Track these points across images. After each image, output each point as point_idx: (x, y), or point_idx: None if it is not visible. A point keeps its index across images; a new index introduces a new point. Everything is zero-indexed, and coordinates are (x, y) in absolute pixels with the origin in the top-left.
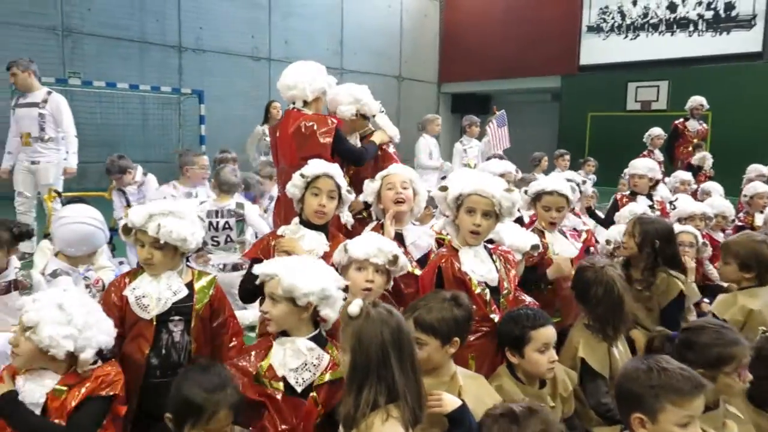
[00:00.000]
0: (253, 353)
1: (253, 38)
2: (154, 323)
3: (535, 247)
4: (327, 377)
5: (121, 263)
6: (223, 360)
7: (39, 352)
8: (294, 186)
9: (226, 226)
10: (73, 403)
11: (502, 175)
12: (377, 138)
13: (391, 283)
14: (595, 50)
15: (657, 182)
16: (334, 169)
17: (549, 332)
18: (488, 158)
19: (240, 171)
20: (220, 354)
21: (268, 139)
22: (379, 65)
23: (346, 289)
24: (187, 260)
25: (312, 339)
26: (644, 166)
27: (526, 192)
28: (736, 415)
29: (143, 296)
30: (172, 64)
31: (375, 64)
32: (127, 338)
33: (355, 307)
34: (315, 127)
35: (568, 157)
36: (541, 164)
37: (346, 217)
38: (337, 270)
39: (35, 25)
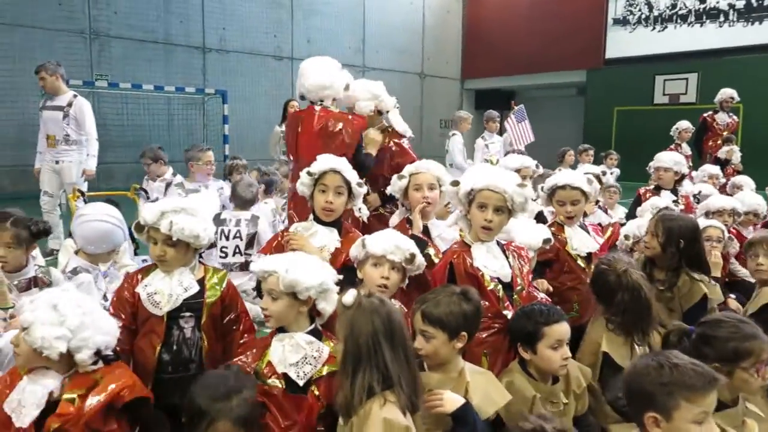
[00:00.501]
0: (250, 352)
1: (276, 38)
2: (165, 319)
3: (546, 241)
4: (325, 370)
5: (144, 261)
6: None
7: (35, 353)
8: (302, 184)
9: (237, 235)
10: (90, 411)
11: (518, 170)
12: (372, 148)
13: (406, 281)
14: (622, 43)
15: (683, 176)
16: (342, 164)
17: (563, 329)
18: (507, 153)
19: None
20: (231, 350)
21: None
22: (401, 62)
23: (339, 284)
24: (200, 256)
25: (309, 333)
26: (670, 159)
27: (542, 188)
28: (756, 413)
29: (155, 293)
30: (196, 64)
31: (397, 62)
32: (139, 334)
33: (349, 297)
34: (342, 127)
35: (591, 152)
36: (566, 159)
37: (360, 212)
38: (353, 264)
39: (64, 29)
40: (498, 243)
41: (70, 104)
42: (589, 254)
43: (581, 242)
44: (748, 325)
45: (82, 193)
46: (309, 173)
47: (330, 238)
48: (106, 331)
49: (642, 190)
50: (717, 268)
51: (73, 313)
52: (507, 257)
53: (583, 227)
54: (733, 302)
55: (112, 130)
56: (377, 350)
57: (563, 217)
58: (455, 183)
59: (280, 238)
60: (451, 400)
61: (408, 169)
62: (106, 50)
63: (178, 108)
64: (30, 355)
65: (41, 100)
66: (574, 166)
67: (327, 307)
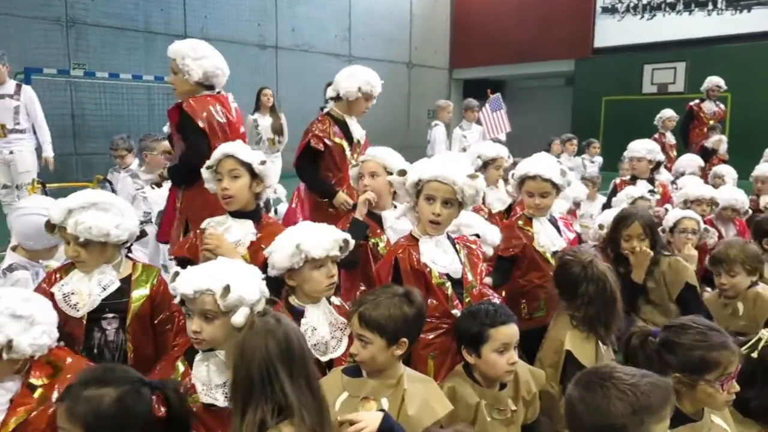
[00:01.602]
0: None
1: (259, 26)
2: (85, 321)
3: None
4: None
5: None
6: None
7: None
8: (208, 182)
9: None
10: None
11: (494, 160)
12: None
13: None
14: (610, 32)
15: (658, 164)
16: (234, 147)
17: (510, 331)
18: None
19: None
20: (163, 353)
21: (259, 128)
22: (388, 51)
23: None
24: (129, 250)
25: None
26: (642, 147)
27: (512, 175)
28: (722, 428)
29: (72, 293)
30: None
31: (384, 51)
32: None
33: (240, 317)
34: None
35: (575, 141)
36: (553, 149)
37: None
38: (278, 273)
39: (40, 16)
40: (448, 236)
41: (17, 92)
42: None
43: (549, 238)
44: (717, 333)
45: (43, 184)
46: (208, 167)
47: (244, 232)
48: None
49: (618, 181)
50: (692, 261)
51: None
52: (458, 252)
53: (553, 222)
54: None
55: (91, 120)
56: (273, 378)
57: (532, 209)
58: (402, 172)
59: (193, 238)
60: (371, 419)
61: (360, 158)
62: (83, 38)
63: (158, 97)
64: None
65: None
66: (559, 157)
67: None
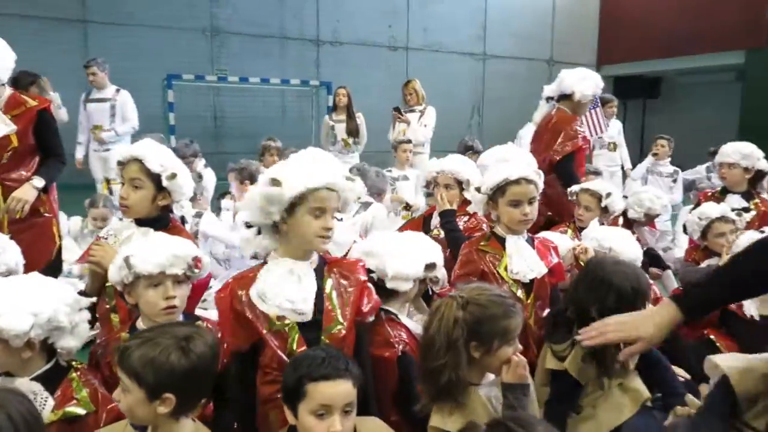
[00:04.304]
0: None
1: (391, 27)
2: None
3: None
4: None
5: None
6: None
7: None
8: (118, 176)
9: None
10: None
11: None
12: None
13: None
14: None
15: (760, 175)
16: (143, 150)
17: (333, 390)
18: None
19: None
20: None
21: (335, 129)
22: (526, 49)
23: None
24: None
25: (42, 375)
26: (735, 151)
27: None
28: None
29: None
30: (309, 57)
31: (522, 48)
32: None
33: None
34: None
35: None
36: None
37: (183, 209)
38: (117, 291)
39: (188, 27)
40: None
41: (115, 96)
42: (532, 281)
43: (525, 262)
44: None
45: (109, 182)
46: (118, 163)
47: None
48: None
49: (707, 193)
50: None
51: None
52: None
53: (530, 241)
54: None
55: (229, 122)
56: None
57: (516, 223)
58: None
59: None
60: None
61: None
62: (224, 46)
63: (291, 100)
64: None
65: (83, 93)
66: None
67: (72, 342)
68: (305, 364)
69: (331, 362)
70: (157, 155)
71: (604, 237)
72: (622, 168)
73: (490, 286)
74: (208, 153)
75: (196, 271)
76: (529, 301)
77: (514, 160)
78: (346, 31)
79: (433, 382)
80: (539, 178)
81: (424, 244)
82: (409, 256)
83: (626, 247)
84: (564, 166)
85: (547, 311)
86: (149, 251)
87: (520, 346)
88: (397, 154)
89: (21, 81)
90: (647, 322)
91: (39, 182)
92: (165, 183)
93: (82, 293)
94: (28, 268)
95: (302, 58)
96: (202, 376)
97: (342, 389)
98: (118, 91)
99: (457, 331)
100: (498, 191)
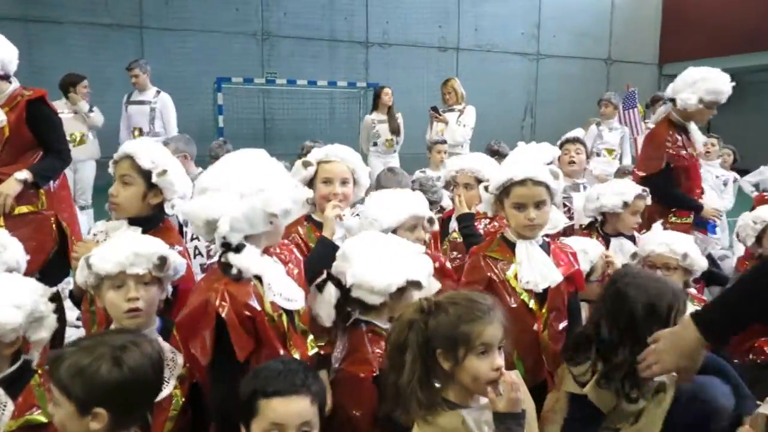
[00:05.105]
0: None
1: (441, 28)
2: None
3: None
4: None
5: None
6: None
7: None
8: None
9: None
10: None
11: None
12: None
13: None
14: None
15: None
16: (136, 147)
17: (286, 409)
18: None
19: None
20: None
21: (377, 128)
22: (582, 48)
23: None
24: None
25: (6, 379)
26: None
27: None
28: None
29: None
30: (359, 59)
31: (578, 47)
32: None
33: None
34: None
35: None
36: None
37: (173, 208)
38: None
39: (240, 32)
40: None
41: (155, 99)
42: (546, 290)
43: (537, 271)
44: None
45: None
46: (112, 161)
47: None
48: None
49: (764, 196)
50: None
51: None
52: None
53: (545, 247)
54: None
55: (279, 123)
56: None
57: (522, 228)
58: None
59: None
60: None
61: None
62: (275, 49)
63: (339, 102)
64: None
65: (125, 95)
66: None
67: (43, 333)
68: (261, 376)
69: (287, 376)
70: (149, 152)
71: (675, 241)
72: None
73: (469, 291)
74: None
75: (169, 272)
76: (542, 312)
77: (525, 158)
78: (396, 33)
79: (397, 393)
80: (554, 180)
81: (407, 254)
82: (381, 266)
83: (699, 256)
84: (652, 183)
85: (563, 324)
86: (109, 250)
87: (499, 362)
88: (431, 155)
89: (62, 83)
90: (670, 352)
91: (21, 175)
92: (155, 179)
93: (71, 293)
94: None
95: (351, 60)
96: (138, 390)
97: (296, 407)
98: (158, 93)
99: (412, 335)
100: (504, 192)
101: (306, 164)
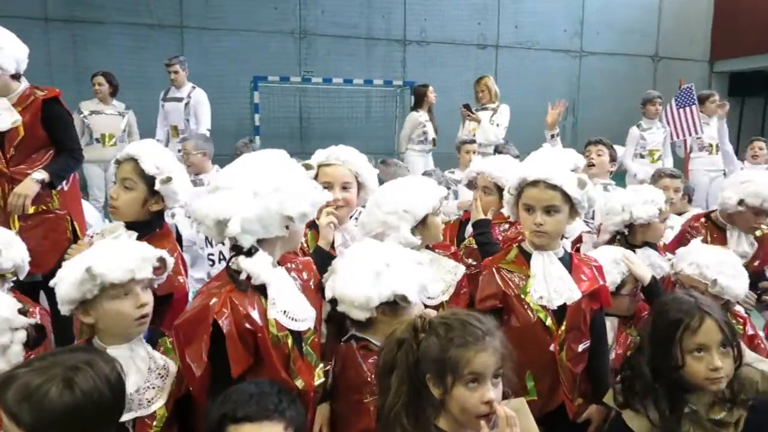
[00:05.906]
0: None
1: (480, 25)
2: None
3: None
4: None
5: None
6: None
7: None
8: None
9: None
10: None
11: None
12: None
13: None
14: None
15: None
16: (140, 149)
17: None
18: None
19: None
20: None
21: (426, 127)
22: (628, 44)
23: None
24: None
25: None
26: None
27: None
28: None
29: None
30: (396, 57)
31: (623, 44)
32: None
33: None
34: None
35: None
36: None
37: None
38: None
39: (278, 30)
40: None
41: (189, 95)
42: (564, 306)
43: (552, 286)
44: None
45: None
46: (116, 162)
47: None
48: None
49: None
50: None
51: None
52: None
53: (567, 260)
54: None
55: (315, 122)
56: None
57: (529, 233)
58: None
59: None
60: None
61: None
62: (312, 47)
63: (376, 101)
64: None
65: (162, 92)
66: None
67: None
68: (231, 399)
69: (259, 400)
70: (155, 156)
71: (708, 264)
72: (724, 173)
73: (467, 312)
74: (295, 153)
75: (163, 276)
76: (560, 331)
77: (544, 160)
78: (434, 30)
79: (384, 418)
80: (576, 188)
81: (401, 266)
82: (363, 279)
83: (734, 281)
84: None
85: (584, 345)
86: (114, 257)
87: (490, 395)
88: (460, 155)
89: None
90: None
91: (39, 175)
92: (158, 186)
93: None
94: (37, 266)
95: (388, 58)
96: (93, 415)
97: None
98: (193, 88)
99: (401, 355)
100: (519, 193)
101: (307, 167)
